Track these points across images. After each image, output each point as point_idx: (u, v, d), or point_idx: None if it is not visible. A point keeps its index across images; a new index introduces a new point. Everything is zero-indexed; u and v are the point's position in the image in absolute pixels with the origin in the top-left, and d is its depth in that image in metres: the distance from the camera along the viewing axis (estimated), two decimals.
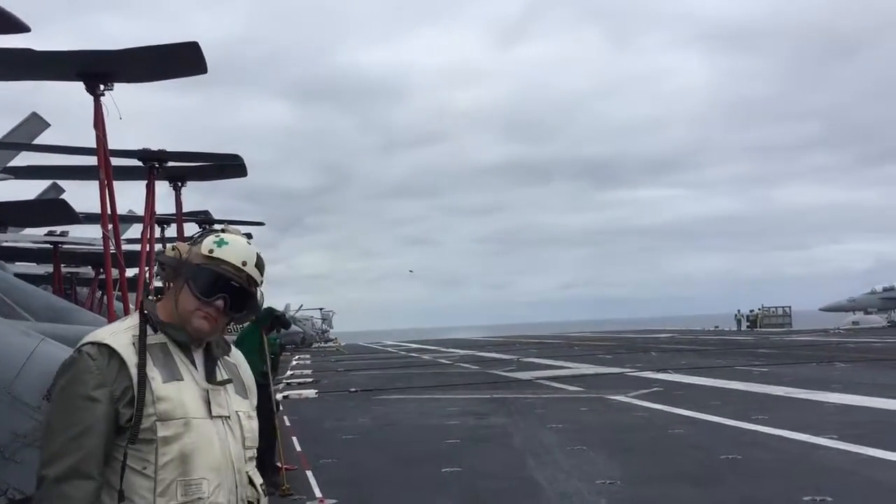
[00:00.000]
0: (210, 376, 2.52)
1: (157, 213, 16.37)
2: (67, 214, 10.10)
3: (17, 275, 14.99)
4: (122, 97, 9.30)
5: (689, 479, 9.21)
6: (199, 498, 2.40)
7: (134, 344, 2.42)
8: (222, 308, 2.50)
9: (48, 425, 2.36)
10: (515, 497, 8.76)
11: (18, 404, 6.61)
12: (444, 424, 14.31)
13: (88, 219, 14.62)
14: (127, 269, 14.85)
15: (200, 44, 8.52)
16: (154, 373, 2.39)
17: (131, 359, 2.38)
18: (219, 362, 2.58)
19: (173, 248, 2.57)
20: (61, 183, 18.68)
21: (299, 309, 65.45)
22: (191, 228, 19.25)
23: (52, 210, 11.01)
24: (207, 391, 2.48)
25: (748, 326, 70.00)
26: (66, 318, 10.13)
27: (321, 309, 77.58)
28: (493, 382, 23.14)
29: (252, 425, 2.60)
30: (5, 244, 16.71)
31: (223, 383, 2.53)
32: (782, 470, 9.46)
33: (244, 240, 2.60)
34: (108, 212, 9.41)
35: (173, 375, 2.43)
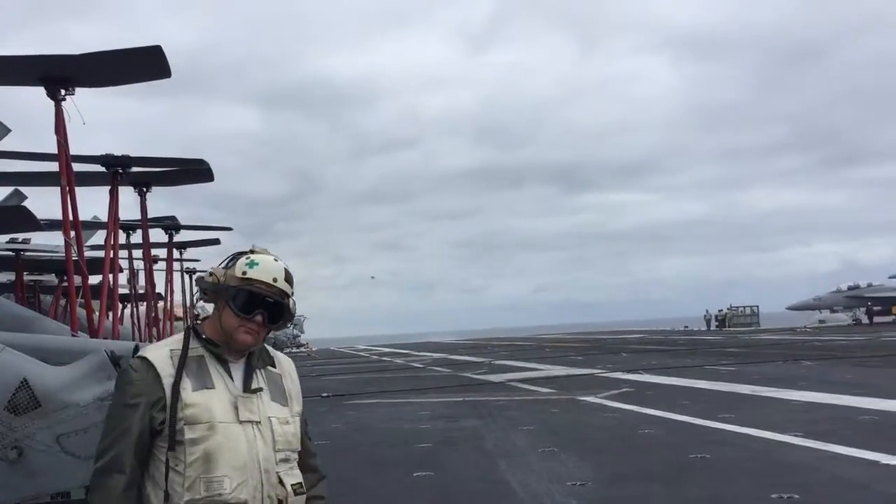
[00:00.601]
0: (246, 385, 2.87)
1: (123, 219, 16.18)
2: (28, 221, 9.93)
3: None
4: (86, 105, 9.21)
5: (659, 478, 9.28)
6: (220, 493, 2.73)
7: (171, 358, 2.83)
8: (262, 322, 2.87)
9: (105, 424, 2.87)
10: (487, 500, 8.76)
11: None
12: (416, 428, 14.28)
13: (52, 226, 14.39)
14: (91, 277, 14.65)
15: (166, 50, 8.45)
16: (185, 383, 2.78)
17: (165, 371, 2.80)
18: (257, 372, 2.93)
19: (210, 274, 2.94)
20: (24, 190, 18.40)
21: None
22: (156, 234, 19.06)
23: (12, 217, 10.83)
24: (237, 398, 2.83)
25: (717, 326, 70.84)
26: (29, 326, 9.94)
27: None
28: (465, 385, 23.15)
29: (285, 430, 2.90)
30: None
31: (255, 391, 2.86)
32: (750, 468, 9.57)
33: (272, 258, 2.94)
34: (71, 218, 9.27)
35: (204, 384, 2.81)
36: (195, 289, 3.19)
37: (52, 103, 8.98)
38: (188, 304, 29.99)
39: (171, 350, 2.85)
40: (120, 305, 23.06)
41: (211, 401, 2.79)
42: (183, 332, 2.94)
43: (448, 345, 63.48)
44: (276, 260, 2.94)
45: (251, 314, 2.85)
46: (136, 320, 20.47)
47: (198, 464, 2.74)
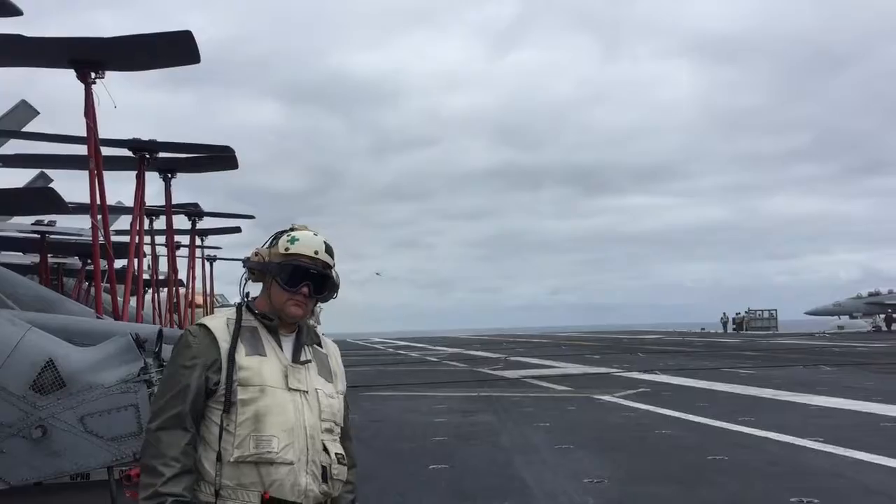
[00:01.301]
0: (295, 357, 3.02)
1: (147, 205, 16.26)
2: (56, 203, 9.99)
3: (4, 264, 14.83)
4: (114, 93, 9.24)
5: (677, 479, 9.22)
6: (269, 451, 2.85)
7: (227, 326, 2.98)
8: (308, 293, 3.02)
9: (158, 388, 3.03)
10: (503, 495, 8.73)
11: (4, 394, 6.52)
12: (431, 422, 14.27)
13: (76, 209, 14.47)
14: (116, 260, 14.74)
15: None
16: (240, 349, 2.93)
17: (222, 336, 2.95)
18: (306, 348, 3.07)
19: (256, 254, 3.08)
20: (49, 173, 18.51)
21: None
22: (180, 221, 19.15)
23: (40, 199, 10.90)
24: (287, 367, 2.97)
25: (734, 329, 70.33)
26: (53, 308, 10.01)
27: None
28: (481, 380, 23.11)
29: (330, 402, 3.04)
30: None
31: (304, 363, 3.02)
32: (769, 471, 9.48)
33: (311, 233, 3.08)
34: (98, 202, 9.30)
35: (257, 351, 2.96)
36: (243, 272, 3.17)
37: (81, 88, 9.04)
38: (208, 291, 30.11)
39: (228, 319, 3.02)
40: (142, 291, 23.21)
41: (262, 366, 2.94)
42: (236, 307, 3.09)
43: (464, 340, 63.42)
44: (315, 234, 3.09)
45: (297, 287, 3.00)
46: (156, 305, 20.60)
47: (248, 423, 2.86)
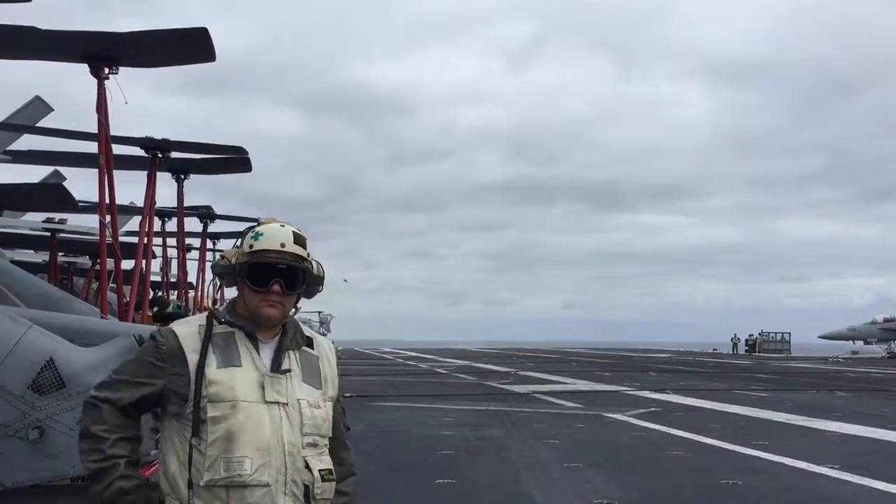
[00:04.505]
0: (275, 364, 2.75)
1: (161, 206, 16.18)
2: (65, 200, 9.87)
3: (15, 262, 14.77)
4: (135, 96, 9.08)
5: (689, 502, 8.97)
6: (240, 474, 2.63)
7: (199, 333, 2.75)
8: (280, 291, 2.75)
9: (119, 366, 2.83)
10: None
11: (1, 392, 6.38)
12: (438, 434, 14.06)
13: (89, 208, 14.38)
14: (126, 262, 14.65)
15: (217, 51, 8.26)
16: (211, 360, 2.69)
17: (190, 346, 2.72)
18: (291, 353, 2.80)
19: (222, 257, 2.86)
20: (64, 171, 18.46)
21: (296, 312, 65.43)
22: (192, 223, 19.08)
23: (50, 195, 10.79)
24: (264, 377, 2.72)
25: (746, 351, 69.73)
26: (60, 307, 9.90)
27: (319, 312, 77.86)
28: (490, 394, 22.87)
29: (314, 413, 2.76)
30: (3, 230, 16.47)
31: (283, 372, 2.74)
32: (784, 498, 9.22)
33: (277, 224, 2.80)
34: (107, 200, 9.19)
35: (230, 361, 2.71)
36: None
37: (94, 84, 8.93)
38: (216, 295, 30.09)
39: (200, 325, 2.78)
40: (151, 292, 23.16)
41: (234, 379, 2.70)
42: (206, 315, 2.87)
43: (473, 352, 63.15)
44: (282, 226, 2.81)
45: (267, 286, 2.74)
46: None
47: (219, 443, 2.65)
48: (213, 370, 2.69)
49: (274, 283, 2.74)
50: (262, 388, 2.71)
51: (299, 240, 2.79)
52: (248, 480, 2.63)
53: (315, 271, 2.85)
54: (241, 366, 2.72)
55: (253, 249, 2.76)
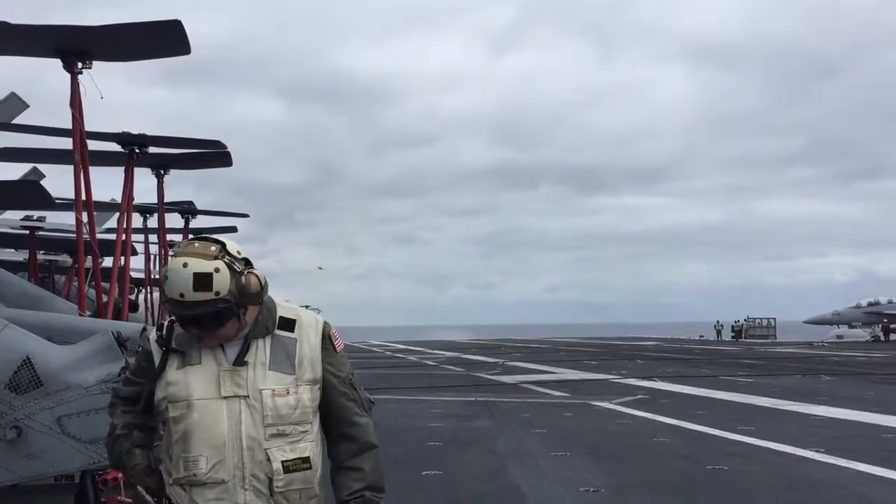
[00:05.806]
0: (239, 358, 2.69)
1: (141, 202, 16.00)
2: (42, 198, 9.75)
3: None
4: (115, 90, 8.95)
5: (676, 488, 8.99)
6: (195, 473, 2.64)
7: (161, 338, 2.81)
8: (201, 335, 2.69)
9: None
10: (496, 503, 8.51)
11: None
12: (426, 426, 14.05)
13: (68, 206, 14.21)
14: (107, 259, 14.46)
15: (196, 41, 8.19)
16: (172, 360, 2.72)
17: (156, 348, 2.80)
18: (260, 342, 2.72)
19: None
20: (43, 168, 18.27)
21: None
22: (173, 219, 18.86)
23: (24, 193, 10.66)
24: (221, 373, 2.68)
25: (732, 337, 70.16)
26: (39, 305, 9.76)
27: (307, 306, 78.10)
28: (478, 385, 22.89)
29: (278, 403, 2.68)
30: None
31: (241, 365, 2.69)
32: (770, 482, 9.25)
33: (180, 264, 2.58)
34: (83, 197, 9.08)
35: (188, 361, 2.70)
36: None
37: (69, 79, 8.80)
38: None
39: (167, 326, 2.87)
40: (134, 289, 22.95)
41: (189, 378, 2.69)
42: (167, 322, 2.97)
43: (461, 343, 63.23)
44: (184, 266, 2.57)
45: (188, 329, 2.73)
46: (149, 305, 20.36)
47: (179, 443, 2.68)
48: (172, 371, 2.72)
49: (193, 329, 2.69)
50: (218, 384, 2.69)
51: (201, 283, 2.55)
52: (204, 479, 2.66)
53: (250, 287, 2.66)
54: (199, 363, 2.72)
55: (166, 294, 2.65)
